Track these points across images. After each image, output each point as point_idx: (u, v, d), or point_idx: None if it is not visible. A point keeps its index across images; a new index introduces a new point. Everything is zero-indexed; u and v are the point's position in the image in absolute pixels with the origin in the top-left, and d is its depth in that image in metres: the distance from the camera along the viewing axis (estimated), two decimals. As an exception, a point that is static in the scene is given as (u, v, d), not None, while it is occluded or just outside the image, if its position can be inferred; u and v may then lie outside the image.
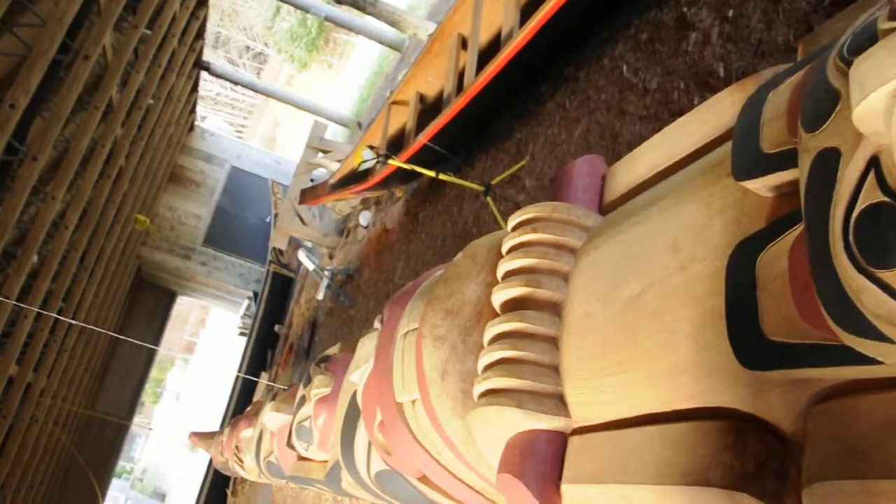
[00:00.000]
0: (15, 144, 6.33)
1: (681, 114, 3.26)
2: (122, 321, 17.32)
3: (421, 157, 5.81)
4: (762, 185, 1.01)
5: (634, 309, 1.23)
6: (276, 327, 14.16)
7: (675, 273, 1.15)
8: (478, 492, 2.07)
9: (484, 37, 5.35)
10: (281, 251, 15.01)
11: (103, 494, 17.79)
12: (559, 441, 1.38)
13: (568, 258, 1.60)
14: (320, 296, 9.09)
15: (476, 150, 5.67)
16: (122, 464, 42.08)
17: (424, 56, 6.16)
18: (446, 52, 5.92)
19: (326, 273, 8.86)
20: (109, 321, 15.24)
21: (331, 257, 10.75)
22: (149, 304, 18.34)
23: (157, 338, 19.79)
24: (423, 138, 5.28)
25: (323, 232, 10.90)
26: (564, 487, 1.34)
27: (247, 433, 5.56)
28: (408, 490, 2.47)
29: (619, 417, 1.28)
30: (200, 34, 13.79)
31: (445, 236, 5.63)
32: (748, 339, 0.96)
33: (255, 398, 12.74)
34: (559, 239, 1.63)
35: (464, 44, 5.83)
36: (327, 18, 11.96)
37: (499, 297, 1.63)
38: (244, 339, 15.91)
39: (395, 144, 6.85)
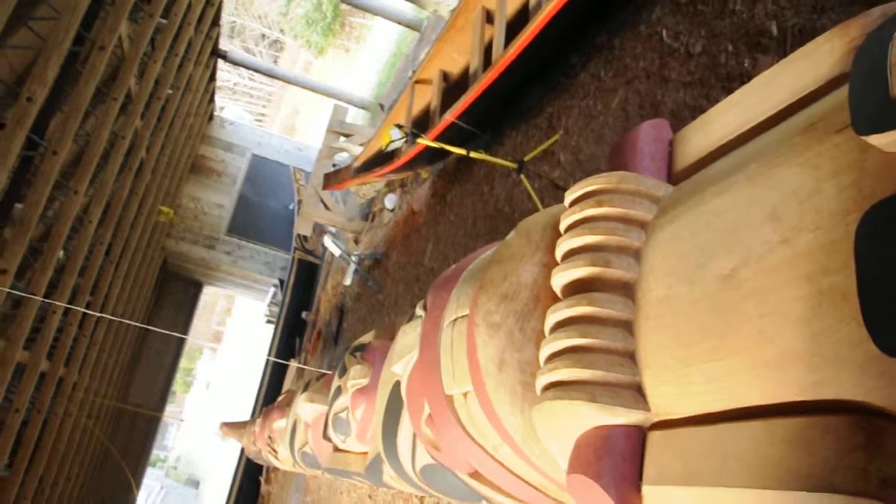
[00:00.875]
0: (35, 139, 6.26)
1: (729, 78, 3.05)
2: (149, 313, 17.42)
3: (448, 136, 5.64)
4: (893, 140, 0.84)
5: (728, 289, 1.08)
6: (304, 314, 14.13)
7: (776, 247, 0.99)
8: (537, 488, 1.93)
9: (511, 8, 5.15)
10: (305, 238, 14.95)
11: (138, 484, 18.02)
12: (637, 437, 1.24)
13: (638, 233, 1.45)
14: (348, 281, 8.99)
15: (505, 127, 5.49)
16: (156, 452, 42.76)
17: (448, 31, 5.97)
18: (471, 26, 5.73)
19: (353, 258, 8.75)
20: (137, 313, 15.32)
21: (356, 242, 10.65)
22: (176, 295, 18.43)
23: (185, 328, 19.91)
24: (451, 116, 5.11)
25: (347, 217, 10.79)
26: (646, 489, 1.20)
27: (280, 423, 5.48)
28: (456, 485, 2.34)
29: (710, 411, 1.14)
30: (216, 21, 13.67)
31: (476, 216, 5.48)
32: (891, 321, 0.80)
33: (285, 386, 12.73)
34: (627, 212, 1.48)
35: (489, 17, 5.63)
36: (343, 0, 11.76)
37: (560, 278, 1.47)
38: (272, 326, 15.92)
39: (420, 124, 6.69)
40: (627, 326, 1.30)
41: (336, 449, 3.62)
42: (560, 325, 1.45)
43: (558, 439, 1.44)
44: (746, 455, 1.01)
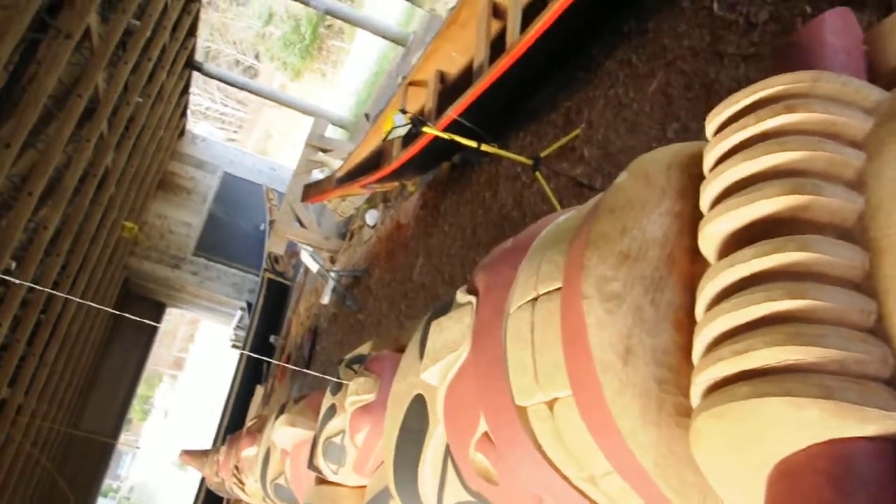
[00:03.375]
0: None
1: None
2: (108, 334, 16.50)
3: (445, 141, 5.16)
4: None
5: None
6: (272, 338, 13.41)
7: None
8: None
9: (525, -2, 4.70)
10: (276, 259, 14.30)
11: (87, 517, 16.90)
12: (892, 455, 0.76)
13: (854, 152, 0.93)
14: (325, 300, 8.37)
15: (509, 130, 5.01)
16: (108, 482, 40.98)
17: (448, 28, 5.51)
18: (475, 20, 5.27)
19: (332, 275, 8.15)
20: (95, 333, 14.45)
21: (333, 262, 10.04)
22: (137, 316, 17.46)
23: (145, 352, 18.96)
24: (454, 112, 4.61)
25: (324, 235, 10.21)
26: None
27: (249, 452, 4.81)
28: (498, 528, 1.76)
29: None
30: (192, 31, 13.11)
31: (476, 225, 4.96)
32: None
33: (250, 414, 11.98)
34: (834, 121, 0.94)
35: (495, 11, 5.18)
36: (327, 12, 11.31)
37: (725, 222, 0.99)
38: (237, 351, 15.14)
39: (412, 133, 6.18)
40: (858, 285, 0.84)
41: (321, 480, 3.02)
42: (733, 291, 0.93)
43: (740, 464, 0.91)
44: None
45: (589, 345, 1.12)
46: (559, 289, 1.28)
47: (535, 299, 1.33)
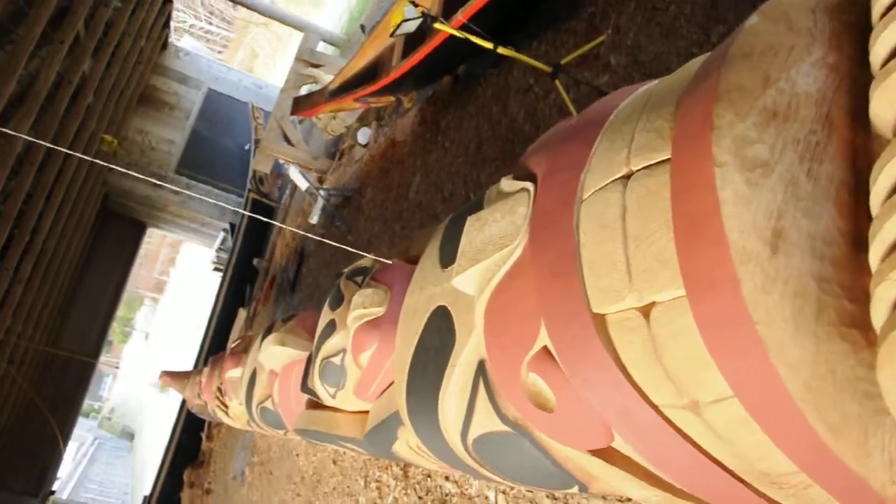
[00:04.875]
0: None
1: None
2: (87, 254, 16.09)
3: (452, 48, 4.75)
4: None
5: None
6: (255, 261, 13.08)
7: None
8: (743, 481, 1.09)
9: None
10: (262, 180, 13.85)
11: (67, 436, 16.85)
12: None
13: None
14: (314, 219, 8.02)
15: (522, 39, 4.60)
16: (90, 402, 41.22)
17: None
18: None
19: (322, 193, 7.77)
20: (72, 252, 14.04)
21: (321, 182, 9.65)
22: (116, 235, 17.04)
23: (125, 273, 18.59)
24: (463, 15, 4.19)
25: (312, 154, 9.78)
26: None
27: (234, 373, 4.54)
28: (536, 465, 1.51)
29: None
30: (174, -68, 12.30)
31: (482, 140, 4.60)
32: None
33: (233, 336, 11.77)
34: None
35: None
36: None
37: None
38: (219, 274, 14.83)
39: (414, 43, 5.74)
40: None
41: (315, 405, 2.75)
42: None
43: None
44: None
45: (723, 227, 0.80)
46: (665, 161, 0.96)
47: (627, 177, 1.01)
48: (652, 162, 0.98)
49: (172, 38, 16.73)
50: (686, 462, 1.07)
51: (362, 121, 8.80)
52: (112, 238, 17.06)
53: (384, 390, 2.16)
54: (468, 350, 1.52)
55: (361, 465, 4.61)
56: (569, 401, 1.14)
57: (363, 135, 8.06)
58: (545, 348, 1.14)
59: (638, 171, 1.00)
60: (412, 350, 1.78)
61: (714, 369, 0.90)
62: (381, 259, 1.96)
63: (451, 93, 5.71)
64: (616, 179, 1.04)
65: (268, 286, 11.43)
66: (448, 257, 1.76)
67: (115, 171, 14.59)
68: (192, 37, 38.40)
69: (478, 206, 1.66)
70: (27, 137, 3.82)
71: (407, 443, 1.98)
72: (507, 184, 1.36)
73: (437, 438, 1.72)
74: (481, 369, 1.49)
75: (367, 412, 2.40)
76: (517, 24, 4.45)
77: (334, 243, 2.58)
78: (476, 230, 1.37)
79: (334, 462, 5.15)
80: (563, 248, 1.08)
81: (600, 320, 1.05)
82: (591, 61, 3.59)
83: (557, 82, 3.51)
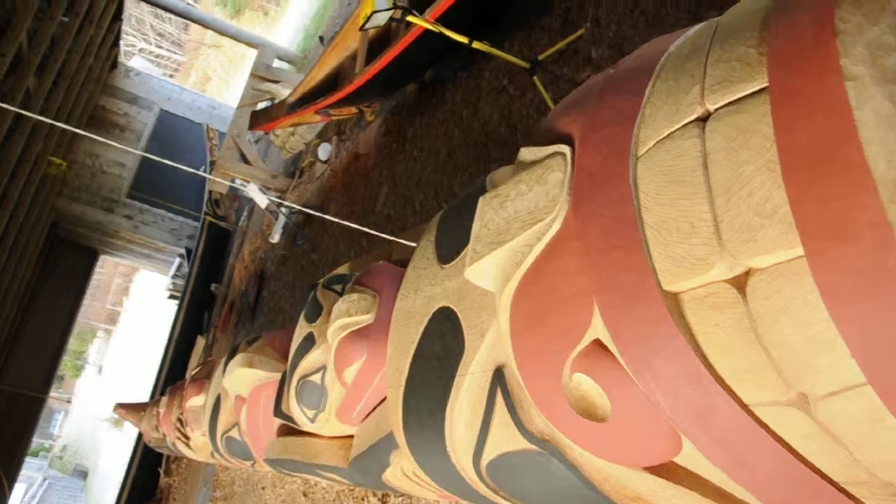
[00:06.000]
0: None
1: None
2: (34, 284, 15.40)
3: (419, 52, 4.56)
4: None
5: None
6: (213, 287, 12.64)
7: None
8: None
9: None
10: (218, 203, 13.46)
11: (13, 477, 15.99)
12: None
13: None
14: (275, 238, 7.71)
15: (492, 39, 4.42)
16: (39, 441, 39.62)
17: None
18: None
19: (283, 210, 7.47)
20: (19, 283, 13.41)
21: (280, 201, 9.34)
22: (66, 263, 16.37)
23: (76, 303, 17.87)
24: (431, 16, 4.00)
25: (270, 173, 9.48)
26: None
27: (196, 401, 4.21)
28: (567, 488, 1.28)
29: None
30: (123, -50, 11.96)
31: (453, 147, 4.40)
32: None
33: (191, 365, 11.31)
34: None
35: None
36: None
37: None
38: (175, 301, 14.31)
39: (379, 46, 5.54)
40: None
41: (289, 430, 2.48)
42: None
43: None
44: None
45: (863, 156, 0.58)
46: (759, 91, 0.74)
47: (703, 119, 0.79)
48: (739, 95, 0.77)
49: (122, 59, 16.28)
50: (781, 474, 0.85)
51: (322, 136, 8.54)
52: (61, 267, 16.40)
53: (371, 411, 1.91)
54: (481, 356, 1.29)
55: (335, 496, 4.31)
56: (628, 405, 0.92)
57: (324, 150, 7.80)
58: (597, 341, 0.91)
59: (718, 109, 0.79)
60: (409, 361, 1.53)
61: (839, 350, 0.69)
62: (400, 239, 1.70)
63: (416, 101, 5.51)
64: (687, 124, 0.83)
65: (226, 312, 11.03)
66: (448, 251, 1.53)
67: (63, 196, 14.07)
68: (143, 60, 37.75)
69: (479, 192, 1.44)
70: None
71: (401, 469, 1.73)
72: (528, 152, 1.14)
73: (442, 462, 1.48)
74: (499, 377, 1.26)
75: (349, 437, 2.14)
76: (488, 21, 4.28)
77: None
78: (494, 209, 1.14)
79: (304, 494, 4.82)
80: (620, 214, 0.86)
81: (673, 300, 0.83)
82: (570, 56, 3.43)
83: (536, 79, 3.33)
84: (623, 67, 1.04)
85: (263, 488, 5.94)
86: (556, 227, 0.99)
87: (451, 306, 1.40)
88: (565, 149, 1.01)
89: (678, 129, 0.83)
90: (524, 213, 1.05)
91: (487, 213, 1.15)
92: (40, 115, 10.51)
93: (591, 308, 0.91)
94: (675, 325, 0.82)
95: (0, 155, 9.17)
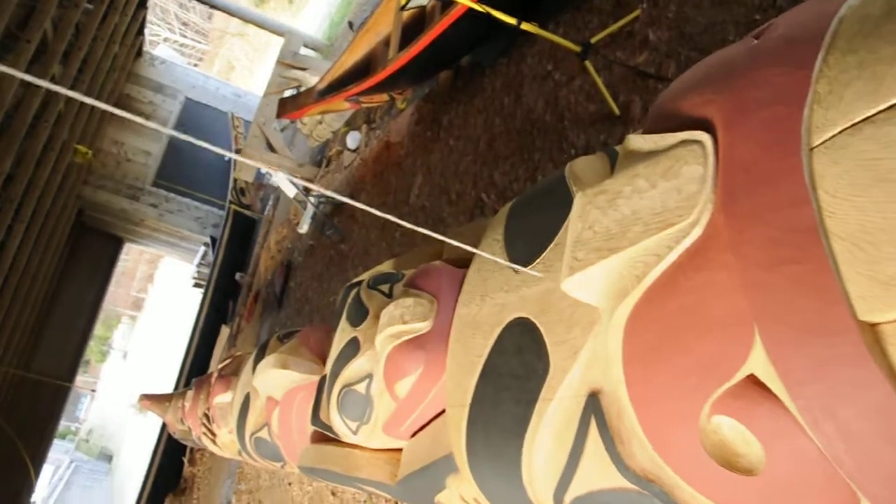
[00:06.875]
0: None
1: None
2: (61, 271, 15.44)
3: (456, 37, 4.36)
4: None
5: None
6: (238, 276, 12.55)
7: None
8: None
9: None
10: (243, 191, 13.37)
11: (41, 459, 16.11)
12: None
13: None
14: (303, 229, 7.56)
15: (536, 22, 4.20)
16: (66, 424, 40.13)
17: None
18: None
19: (312, 200, 7.32)
20: (45, 269, 13.42)
21: (307, 191, 9.20)
22: (92, 251, 16.39)
23: (101, 290, 17.93)
24: (470, -6, 3.78)
25: (297, 161, 9.32)
26: None
27: (223, 398, 4.06)
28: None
29: None
30: (149, -65, 11.84)
31: (493, 135, 4.20)
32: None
33: (216, 355, 11.25)
34: None
35: None
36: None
37: None
38: (200, 290, 14.27)
39: (413, 30, 5.33)
40: None
41: (325, 438, 2.30)
42: None
43: None
44: None
45: None
46: None
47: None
48: None
49: (147, 48, 16.21)
50: None
51: (350, 124, 8.37)
52: (87, 254, 16.42)
53: (424, 426, 1.73)
54: (572, 379, 1.11)
55: (366, 496, 4.16)
56: (789, 459, 0.73)
57: (353, 139, 7.63)
58: (752, 378, 0.73)
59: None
60: (475, 378, 1.35)
61: None
62: (452, 243, 1.51)
63: (451, 88, 5.31)
64: (896, 105, 0.63)
65: (252, 301, 10.92)
66: (523, 254, 1.34)
67: (89, 184, 14.05)
68: (168, 49, 37.81)
69: (558, 186, 1.25)
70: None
71: (460, 495, 1.55)
72: (643, 140, 0.94)
73: (513, 494, 1.29)
74: (593, 405, 1.07)
75: (394, 450, 1.97)
76: (530, 2, 4.06)
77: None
78: (600, 209, 0.94)
79: (333, 493, 4.68)
80: (793, 220, 0.67)
81: (871, 334, 0.64)
82: (624, 39, 3.21)
83: (588, 64, 3.12)
84: (774, 36, 0.84)
85: (290, 484, 5.81)
86: (697, 233, 0.80)
87: (531, 318, 1.22)
88: (703, 136, 0.82)
89: (883, 112, 0.64)
90: (646, 215, 0.86)
91: (592, 214, 0.96)
92: (65, 102, 10.46)
93: (751, 338, 0.72)
94: (877, 367, 0.62)
95: (26, 143, 9.10)
